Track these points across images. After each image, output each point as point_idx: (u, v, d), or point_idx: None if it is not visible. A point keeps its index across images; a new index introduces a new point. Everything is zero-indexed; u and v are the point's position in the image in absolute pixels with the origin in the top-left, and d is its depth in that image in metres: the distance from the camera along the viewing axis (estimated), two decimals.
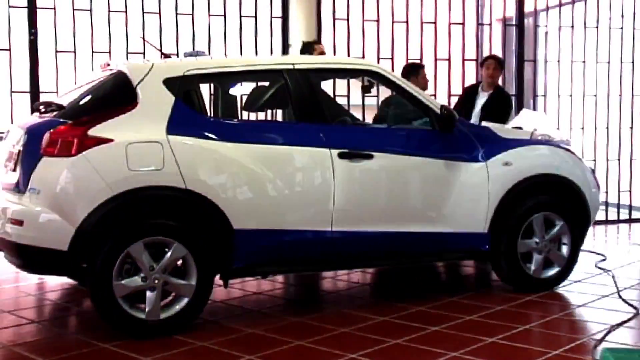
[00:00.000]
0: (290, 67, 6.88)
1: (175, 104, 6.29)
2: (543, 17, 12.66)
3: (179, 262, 6.18)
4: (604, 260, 8.81)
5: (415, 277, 8.49)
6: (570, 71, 12.04)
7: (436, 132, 7.07)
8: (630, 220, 12.13)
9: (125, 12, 9.80)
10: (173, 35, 9.99)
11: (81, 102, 6.46)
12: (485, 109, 9.41)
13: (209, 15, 10.17)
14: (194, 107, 6.44)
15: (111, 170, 5.96)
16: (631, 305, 6.88)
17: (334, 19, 10.70)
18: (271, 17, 10.53)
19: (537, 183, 7.43)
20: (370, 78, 7.56)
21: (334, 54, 10.64)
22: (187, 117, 6.31)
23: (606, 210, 11.71)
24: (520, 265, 7.37)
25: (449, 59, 11.37)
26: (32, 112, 7.63)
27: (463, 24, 11.51)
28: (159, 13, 9.97)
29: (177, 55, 9.12)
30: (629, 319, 6.47)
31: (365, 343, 5.86)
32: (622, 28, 12.20)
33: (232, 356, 5.60)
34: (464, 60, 11.54)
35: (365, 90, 7.99)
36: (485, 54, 11.95)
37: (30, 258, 6.16)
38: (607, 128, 12.23)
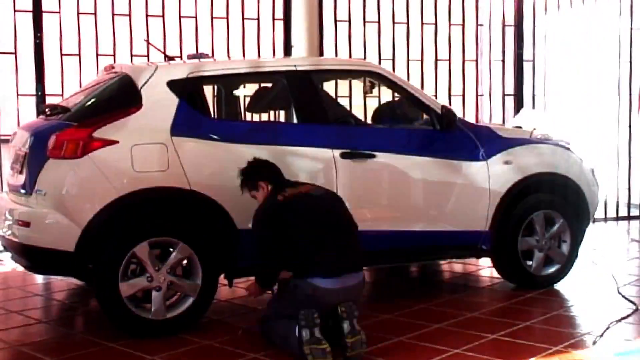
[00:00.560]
0: (293, 68, 6.88)
1: (179, 105, 6.29)
2: (542, 18, 12.63)
3: (184, 262, 6.18)
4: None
5: (417, 275, 8.49)
6: (569, 71, 12.03)
7: (437, 132, 7.07)
8: (629, 218, 12.11)
9: (130, 15, 9.79)
10: (177, 38, 9.98)
11: (86, 105, 6.47)
12: None
13: (212, 17, 10.16)
14: (198, 108, 6.43)
15: (116, 172, 5.97)
16: (630, 301, 6.87)
17: (336, 21, 10.68)
18: (273, 20, 10.52)
19: (537, 181, 7.42)
20: (372, 79, 7.55)
21: (336, 56, 10.63)
22: (191, 119, 6.31)
23: (605, 208, 11.69)
24: (521, 262, 7.37)
25: (449, 60, 11.36)
26: (38, 115, 7.64)
27: (463, 24, 11.50)
28: (163, 16, 9.96)
29: (181, 57, 9.11)
30: (629, 315, 6.46)
31: (368, 340, 5.84)
32: (620, 28, 12.18)
33: (237, 354, 5.60)
34: (464, 60, 11.52)
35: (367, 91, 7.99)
36: (486, 54, 11.98)
37: (37, 259, 6.16)
38: (606, 127, 12.20)
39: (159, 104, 6.27)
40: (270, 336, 5.79)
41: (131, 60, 9.55)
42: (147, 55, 9.37)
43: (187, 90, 6.39)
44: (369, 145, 6.78)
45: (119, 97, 6.42)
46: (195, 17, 10.09)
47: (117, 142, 5.98)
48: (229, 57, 9.87)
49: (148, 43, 8.54)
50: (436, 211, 7.03)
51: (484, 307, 6.83)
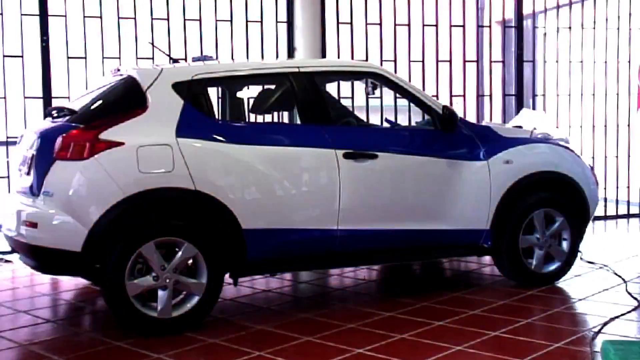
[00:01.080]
0: (296, 70, 6.89)
1: (184, 107, 6.29)
2: (541, 19, 12.63)
3: (190, 262, 6.19)
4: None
5: (420, 273, 8.50)
6: (568, 71, 12.03)
7: (438, 132, 7.07)
8: (628, 216, 12.12)
9: (135, 18, 9.80)
10: (181, 41, 9.99)
11: (92, 107, 6.47)
12: None
13: (216, 20, 10.17)
14: (203, 110, 6.44)
15: (122, 173, 5.97)
16: (635, 298, 6.88)
17: (338, 23, 10.69)
18: (277, 22, 10.53)
19: (537, 180, 7.43)
20: (374, 80, 7.56)
21: (338, 57, 10.64)
22: (195, 120, 6.31)
23: (605, 206, 11.69)
24: (521, 260, 7.37)
25: (450, 61, 11.37)
26: (44, 117, 7.62)
27: (464, 26, 11.50)
28: (167, 19, 9.98)
29: (186, 60, 9.12)
30: (629, 311, 6.46)
31: (372, 338, 5.86)
32: (618, 29, 12.18)
33: (242, 352, 5.60)
34: (464, 61, 11.52)
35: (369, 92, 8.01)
36: (486, 55, 11.98)
37: (45, 259, 6.17)
38: (605, 126, 12.21)
39: (164, 106, 6.28)
40: None
41: (136, 63, 9.56)
42: (152, 58, 9.38)
43: (192, 92, 6.40)
44: (372, 146, 6.78)
45: (125, 99, 6.42)
46: (200, 20, 10.10)
47: (123, 143, 5.98)
48: (232, 59, 9.89)
49: (153, 46, 8.54)
50: (438, 210, 7.04)
51: (485, 304, 6.82)
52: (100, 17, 9.67)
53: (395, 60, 10.91)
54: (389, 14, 10.93)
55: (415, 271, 8.56)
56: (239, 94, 8.09)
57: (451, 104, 10.83)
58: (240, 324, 6.34)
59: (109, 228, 5.92)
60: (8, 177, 9.22)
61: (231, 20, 10.22)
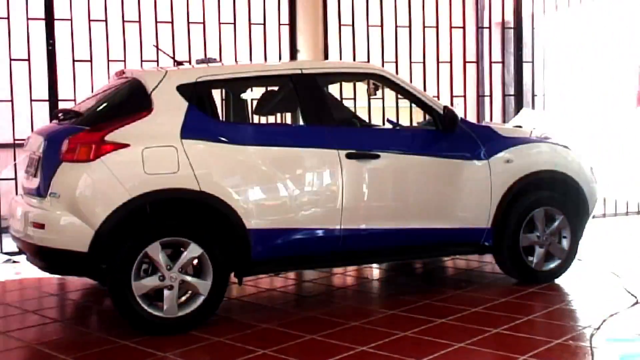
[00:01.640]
0: (299, 72, 6.88)
1: (189, 109, 6.29)
2: (541, 20, 12.62)
3: (195, 262, 6.19)
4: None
5: (422, 271, 8.50)
6: (567, 71, 12.03)
7: (439, 132, 7.07)
8: (627, 214, 12.11)
9: (139, 22, 9.80)
10: (185, 44, 9.99)
11: (98, 109, 6.48)
12: None
13: (220, 23, 10.17)
14: (207, 112, 6.45)
15: (128, 174, 5.98)
16: (633, 295, 6.87)
17: (340, 25, 10.68)
18: (279, 24, 10.52)
19: (537, 179, 7.42)
20: (375, 81, 7.56)
21: (340, 59, 10.63)
22: (200, 122, 6.31)
23: (604, 204, 11.68)
24: (522, 258, 7.37)
25: (450, 62, 11.36)
26: (51, 120, 7.64)
27: (464, 27, 11.49)
28: (172, 22, 9.97)
29: (190, 62, 9.12)
30: (628, 308, 6.46)
31: (375, 336, 5.86)
32: (616, 29, 12.18)
33: (247, 350, 5.60)
34: (465, 62, 11.51)
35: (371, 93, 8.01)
36: (485, 56, 11.97)
37: (52, 260, 6.17)
38: (604, 125, 12.19)
39: (169, 108, 6.28)
40: None
41: (141, 66, 9.56)
42: (157, 61, 9.38)
43: (196, 94, 6.40)
44: (374, 146, 6.78)
45: (130, 102, 6.42)
46: (204, 23, 10.09)
47: (128, 145, 5.99)
48: (236, 61, 9.88)
49: (157, 49, 8.54)
50: (439, 209, 7.03)
51: (486, 302, 6.82)
52: (105, 21, 9.66)
53: (396, 62, 10.89)
54: (390, 15, 10.92)
55: (417, 270, 8.55)
56: (243, 96, 8.09)
57: (452, 104, 10.83)
58: (245, 323, 6.34)
59: (115, 229, 5.92)
60: (15, 179, 9.22)
61: (234, 23, 10.21)
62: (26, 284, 8.18)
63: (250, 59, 10.32)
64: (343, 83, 9.91)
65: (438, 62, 11.25)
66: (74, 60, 9.60)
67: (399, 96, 8.32)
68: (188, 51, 9.94)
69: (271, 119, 8.98)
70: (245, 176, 6.32)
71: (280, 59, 10.50)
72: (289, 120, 8.93)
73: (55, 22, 9.45)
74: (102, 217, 5.89)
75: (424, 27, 11.14)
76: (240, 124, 7.58)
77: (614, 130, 12.29)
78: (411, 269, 8.53)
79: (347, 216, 6.64)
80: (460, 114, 7.30)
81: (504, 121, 11.39)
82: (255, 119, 8.18)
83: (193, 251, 6.09)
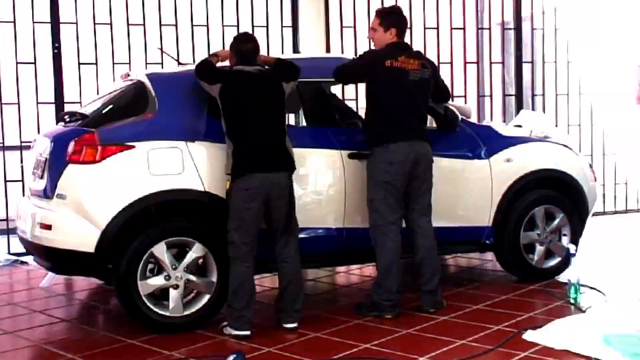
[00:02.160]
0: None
1: (193, 110, 6.30)
2: (540, 20, 12.60)
3: (200, 261, 6.19)
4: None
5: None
6: (566, 71, 12.02)
7: (441, 132, 7.07)
8: (626, 211, 12.11)
9: (144, 24, 9.79)
10: (189, 46, 9.99)
11: (104, 111, 6.48)
12: None
13: (223, 25, 10.16)
14: (211, 113, 6.44)
15: (133, 175, 5.99)
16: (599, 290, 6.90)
17: (342, 27, 10.67)
18: (282, 27, 10.53)
19: (537, 178, 7.43)
20: None
21: None
22: (204, 123, 6.31)
23: (603, 202, 11.68)
24: (523, 256, 7.37)
25: (451, 62, 11.35)
26: (57, 122, 7.64)
27: (464, 28, 11.48)
28: (176, 25, 9.97)
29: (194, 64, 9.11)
30: (627, 305, 6.47)
31: (379, 333, 5.87)
32: (614, 29, 12.18)
33: (251, 348, 5.61)
34: (465, 63, 11.49)
35: None
36: (486, 56, 11.96)
37: (59, 260, 6.19)
38: (603, 124, 12.19)
39: (173, 109, 6.29)
40: None
41: (146, 68, 9.56)
42: (161, 63, 9.39)
43: (200, 95, 6.40)
44: None
45: (135, 104, 6.43)
46: (207, 25, 10.09)
47: (133, 146, 6.00)
48: None
49: (162, 51, 8.55)
50: (441, 208, 7.02)
51: (488, 299, 6.82)
52: (110, 24, 9.67)
53: None
54: None
55: (419, 268, 8.53)
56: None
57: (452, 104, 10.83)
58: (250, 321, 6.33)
59: (121, 229, 5.93)
60: (22, 180, 9.23)
61: (238, 25, 10.20)
62: (34, 284, 8.18)
63: None
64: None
65: (439, 62, 11.20)
66: (79, 63, 9.60)
67: None
68: (192, 53, 9.94)
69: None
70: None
71: None
72: (292, 122, 8.93)
73: (61, 25, 9.45)
74: (108, 217, 5.90)
75: (425, 28, 11.13)
76: None
77: (613, 129, 12.30)
78: (413, 267, 8.51)
79: (350, 215, 6.64)
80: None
81: (504, 121, 11.39)
82: None
83: (198, 251, 6.10)
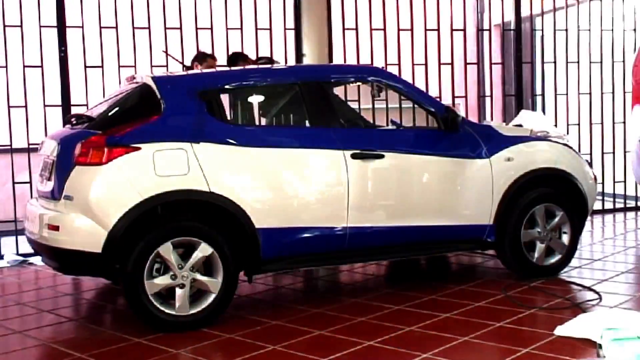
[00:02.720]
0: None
1: (198, 112, 6.30)
2: (539, 21, 12.61)
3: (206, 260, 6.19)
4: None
5: (426, 267, 8.49)
6: (565, 71, 12.02)
7: (442, 132, 7.07)
8: (625, 209, 12.11)
9: (149, 28, 9.81)
10: (193, 49, 10.00)
11: (110, 114, 6.49)
12: None
13: (227, 29, 10.18)
14: (215, 114, 6.44)
15: (140, 176, 5.98)
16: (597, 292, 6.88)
17: (344, 29, 10.69)
18: (285, 29, 10.53)
19: (537, 177, 7.42)
20: (379, 83, 7.55)
21: (344, 62, 10.64)
22: (209, 125, 6.31)
23: (602, 200, 11.68)
24: (524, 253, 7.37)
25: (452, 63, 11.36)
26: (64, 125, 7.64)
27: (464, 30, 11.49)
28: (180, 28, 9.99)
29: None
30: (626, 301, 6.46)
31: (381, 331, 5.86)
32: (612, 30, 12.17)
33: (257, 346, 5.61)
34: (465, 64, 11.51)
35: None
36: (486, 57, 11.96)
37: (67, 260, 6.18)
38: (602, 123, 12.18)
39: (179, 111, 6.29)
40: None
41: (151, 71, 9.56)
42: (166, 66, 9.40)
43: (204, 97, 6.40)
44: (377, 146, 6.78)
45: (141, 106, 6.44)
46: (211, 28, 10.11)
47: (139, 148, 6.00)
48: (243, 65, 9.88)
49: (167, 54, 8.56)
50: (442, 207, 7.03)
51: (489, 296, 6.81)
52: (116, 28, 9.68)
53: (399, 64, 10.89)
54: (393, 19, 10.92)
55: (422, 266, 8.54)
56: (250, 99, 8.08)
57: (453, 104, 10.83)
58: (255, 320, 6.34)
59: (128, 229, 5.93)
60: (30, 182, 9.24)
61: (241, 29, 10.22)
62: (42, 284, 8.19)
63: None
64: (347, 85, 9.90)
65: (440, 64, 11.25)
66: (85, 66, 9.61)
67: (403, 98, 8.31)
68: None
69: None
70: (254, 177, 6.32)
71: (286, 63, 10.50)
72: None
73: (67, 29, 9.47)
74: (115, 218, 5.90)
75: (426, 30, 11.15)
76: (247, 126, 7.56)
77: (612, 128, 12.29)
78: (416, 265, 8.52)
79: (353, 215, 6.64)
80: (462, 114, 7.30)
81: (505, 121, 11.39)
82: (263, 121, 8.19)
83: (204, 250, 6.09)
